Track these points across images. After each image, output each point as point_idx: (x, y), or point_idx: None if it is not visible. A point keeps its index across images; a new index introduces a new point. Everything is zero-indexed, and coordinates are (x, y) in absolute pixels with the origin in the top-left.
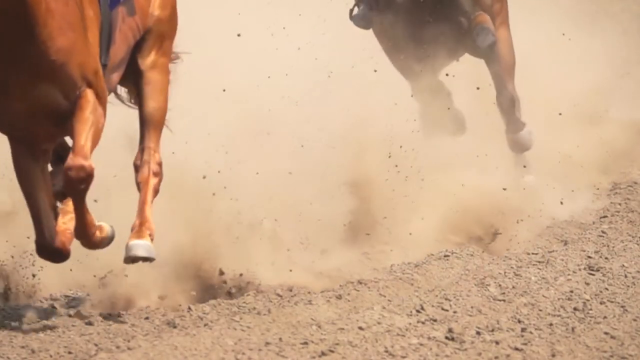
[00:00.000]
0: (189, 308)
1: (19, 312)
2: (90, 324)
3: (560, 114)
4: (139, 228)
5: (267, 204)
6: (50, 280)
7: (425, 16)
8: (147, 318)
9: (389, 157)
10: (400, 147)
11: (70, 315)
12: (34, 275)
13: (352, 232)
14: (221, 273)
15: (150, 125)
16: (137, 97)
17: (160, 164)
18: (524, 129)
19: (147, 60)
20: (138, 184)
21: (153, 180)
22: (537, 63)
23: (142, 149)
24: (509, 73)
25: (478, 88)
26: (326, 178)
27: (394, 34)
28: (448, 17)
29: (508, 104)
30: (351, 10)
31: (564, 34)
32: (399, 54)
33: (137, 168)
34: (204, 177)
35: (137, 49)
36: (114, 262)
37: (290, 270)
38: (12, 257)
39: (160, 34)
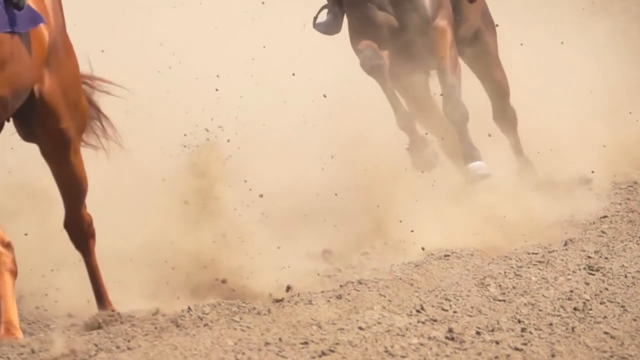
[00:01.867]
0: (189, 308)
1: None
2: (90, 324)
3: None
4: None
5: (269, 203)
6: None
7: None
8: (147, 318)
9: (394, 158)
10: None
11: (70, 316)
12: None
13: (352, 231)
14: (222, 277)
15: (75, 195)
16: (55, 177)
17: (91, 222)
18: (478, 160)
19: (62, 166)
20: (80, 249)
21: (92, 244)
22: (537, 63)
23: (70, 213)
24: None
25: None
26: (329, 178)
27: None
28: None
29: (459, 118)
30: (315, 18)
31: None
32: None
33: (71, 231)
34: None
35: (43, 152)
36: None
37: (290, 270)
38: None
39: (65, 140)
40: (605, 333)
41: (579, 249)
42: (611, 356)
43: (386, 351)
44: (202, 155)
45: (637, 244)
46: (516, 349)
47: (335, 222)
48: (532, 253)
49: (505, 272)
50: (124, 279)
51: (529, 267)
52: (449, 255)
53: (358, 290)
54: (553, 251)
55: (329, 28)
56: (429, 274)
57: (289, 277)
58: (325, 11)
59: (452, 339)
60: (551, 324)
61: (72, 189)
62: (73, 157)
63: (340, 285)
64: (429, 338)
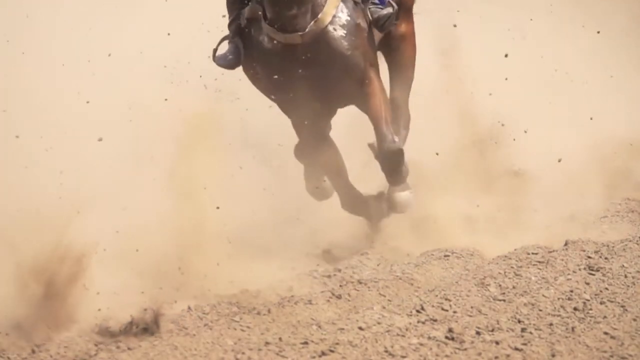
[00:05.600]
0: (189, 308)
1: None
2: (90, 324)
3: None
4: None
5: (269, 203)
6: None
7: (296, 67)
8: (147, 317)
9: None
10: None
11: (70, 316)
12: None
13: (352, 232)
14: (222, 277)
15: None
16: None
17: None
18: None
19: None
20: None
21: None
22: (537, 64)
23: None
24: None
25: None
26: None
27: (263, 77)
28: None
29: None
30: (215, 50)
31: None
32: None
33: None
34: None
35: None
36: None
37: (290, 270)
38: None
39: None
40: (605, 333)
41: (579, 249)
42: (611, 356)
43: (386, 351)
44: (201, 154)
45: (637, 244)
46: (516, 349)
47: (336, 221)
48: (532, 253)
49: (505, 272)
50: (123, 278)
51: (529, 267)
52: (449, 255)
53: (358, 290)
54: (553, 251)
55: (230, 62)
56: (429, 274)
57: (289, 277)
58: (225, 42)
59: (452, 339)
60: (551, 324)
61: None
62: None
63: (340, 285)
64: (429, 338)
